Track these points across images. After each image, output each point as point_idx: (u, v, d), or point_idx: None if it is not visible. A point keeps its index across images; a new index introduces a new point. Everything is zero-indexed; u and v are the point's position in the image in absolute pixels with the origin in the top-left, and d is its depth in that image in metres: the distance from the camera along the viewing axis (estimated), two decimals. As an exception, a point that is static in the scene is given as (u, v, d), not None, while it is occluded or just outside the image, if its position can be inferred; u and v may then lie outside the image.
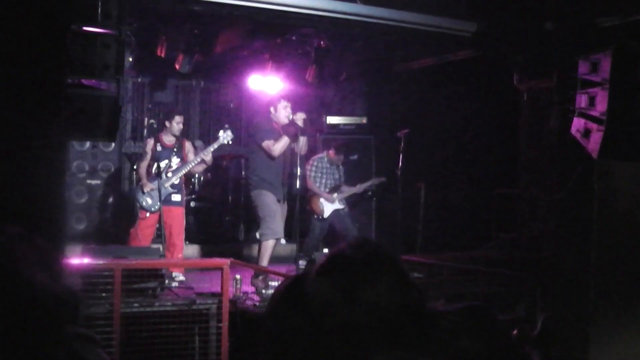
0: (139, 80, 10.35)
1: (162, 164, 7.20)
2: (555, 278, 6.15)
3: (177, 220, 7.23)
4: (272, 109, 7.24)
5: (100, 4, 3.76)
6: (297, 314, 1.58)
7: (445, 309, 1.58)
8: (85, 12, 3.72)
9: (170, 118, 7.38)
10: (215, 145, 7.32)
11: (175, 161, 7.27)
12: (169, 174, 7.20)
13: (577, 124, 5.37)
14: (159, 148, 7.28)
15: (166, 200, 7.11)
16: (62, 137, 3.68)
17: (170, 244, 7.11)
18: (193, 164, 7.27)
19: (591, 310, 5.71)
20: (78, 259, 5.38)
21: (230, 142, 7.42)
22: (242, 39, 8.55)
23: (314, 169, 8.58)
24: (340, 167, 8.76)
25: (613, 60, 5.02)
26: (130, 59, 8.11)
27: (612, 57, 5.03)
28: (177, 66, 8.60)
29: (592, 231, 5.73)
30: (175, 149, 7.32)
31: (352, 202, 9.07)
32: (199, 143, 10.30)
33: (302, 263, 7.26)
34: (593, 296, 5.72)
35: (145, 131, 10.11)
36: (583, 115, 5.31)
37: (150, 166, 7.25)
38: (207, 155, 7.30)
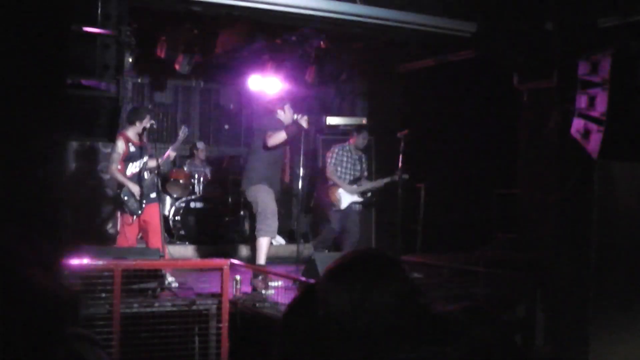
0: (139, 80, 10.35)
1: (139, 164, 7.00)
2: (555, 278, 6.14)
3: (156, 217, 6.96)
4: (280, 112, 7.22)
5: (100, 4, 3.77)
6: (308, 321, 1.62)
7: (449, 308, 1.64)
8: (85, 13, 3.73)
9: (141, 118, 7.02)
10: (178, 144, 7.38)
11: (145, 159, 7.04)
12: (148, 174, 7.05)
13: (577, 124, 5.37)
14: (132, 148, 6.96)
15: (147, 199, 6.98)
16: (61, 137, 3.67)
17: (150, 244, 6.89)
18: (163, 161, 7.27)
19: (591, 311, 5.71)
20: (78, 260, 5.38)
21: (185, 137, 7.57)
22: (241, 40, 8.55)
23: (334, 156, 8.36)
24: (364, 160, 8.52)
25: (613, 61, 5.02)
26: (130, 60, 8.08)
27: (612, 58, 5.03)
28: (177, 67, 8.60)
29: (592, 231, 5.73)
30: (143, 147, 7.05)
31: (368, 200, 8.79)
32: (201, 145, 10.30)
33: (313, 253, 7.31)
34: (593, 296, 5.71)
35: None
36: (583, 115, 5.31)
37: (122, 167, 6.96)
38: (174, 152, 7.38)
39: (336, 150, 8.38)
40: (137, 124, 6.98)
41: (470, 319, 1.61)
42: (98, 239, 8.49)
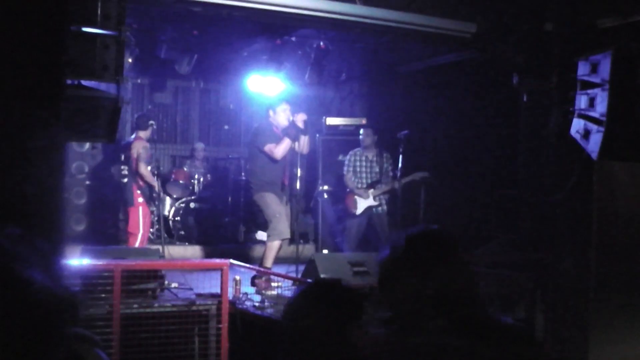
0: (139, 81, 10.36)
1: (151, 165, 8.06)
2: (554, 279, 6.14)
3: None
4: (271, 112, 7.20)
5: (99, 5, 3.76)
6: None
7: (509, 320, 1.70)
8: (85, 13, 3.72)
9: (150, 124, 8.05)
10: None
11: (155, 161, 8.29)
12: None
13: (577, 124, 5.37)
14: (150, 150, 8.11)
15: None
16: (61, 138, 3.67)
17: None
18: None
19: (591, 311, 5.71)
20: (78, 260, 5.38)
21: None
22: (241, 39, 8.55)
23: (347, 162, 8.41)
24: (385, 161, 8.35)
25: (613, 61, 5.02)
26: (130, 60, 8.11)
27: (612, 58, 5.03)
28: (176, 67, 8.60)
29: (592, 231, 5.73)
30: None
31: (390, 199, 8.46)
32: (200, 145, 10.29)
33: (313, 254, 7.31)
34: (592, 297, 5.71)
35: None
36: (583, 116, 5.31)
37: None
38: None
39: (348, 156, 8.42)
40: (149, 129, 7.97)
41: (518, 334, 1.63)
42: (97, 240, 8.49)
